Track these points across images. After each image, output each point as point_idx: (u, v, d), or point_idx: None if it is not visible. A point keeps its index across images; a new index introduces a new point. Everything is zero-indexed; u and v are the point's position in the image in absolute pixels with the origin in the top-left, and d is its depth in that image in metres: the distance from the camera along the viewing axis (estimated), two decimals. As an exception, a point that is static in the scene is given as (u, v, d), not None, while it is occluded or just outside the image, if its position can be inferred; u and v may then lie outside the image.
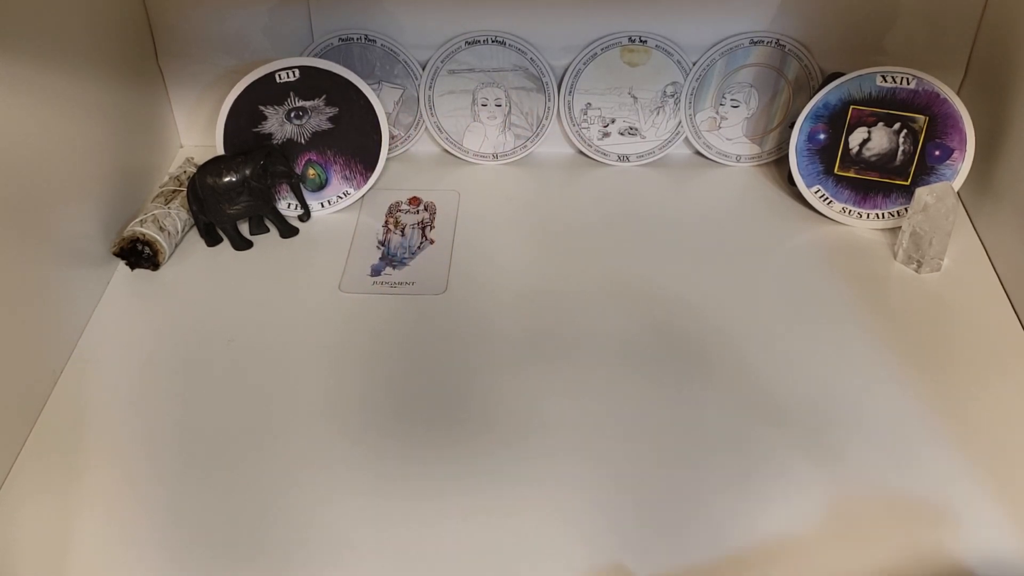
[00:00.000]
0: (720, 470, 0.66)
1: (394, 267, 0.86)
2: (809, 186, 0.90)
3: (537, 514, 0.63)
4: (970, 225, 0.89)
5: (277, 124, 0.92)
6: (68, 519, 0.64)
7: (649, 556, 0.61)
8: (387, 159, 0.94)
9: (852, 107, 0.88)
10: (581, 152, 0.99)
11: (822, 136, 0.90)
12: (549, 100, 0.96)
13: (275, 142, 0.92)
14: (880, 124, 0.88)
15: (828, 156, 0.90)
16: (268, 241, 0.90)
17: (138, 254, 0.84)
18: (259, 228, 0.90)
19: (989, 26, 0.89)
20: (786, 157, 0.92)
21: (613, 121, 0.97)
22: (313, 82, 0.91)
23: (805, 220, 0.90)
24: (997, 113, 0.86)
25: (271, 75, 0.90)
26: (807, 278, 0.83)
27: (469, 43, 0.94)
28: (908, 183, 0.88)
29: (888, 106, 0.87)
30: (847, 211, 0.89)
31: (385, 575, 0.60)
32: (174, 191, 0.89)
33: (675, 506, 0.64)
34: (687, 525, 0.63)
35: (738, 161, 0.98)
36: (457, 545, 0.62)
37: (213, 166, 0.86)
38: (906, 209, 0.86)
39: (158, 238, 0.84)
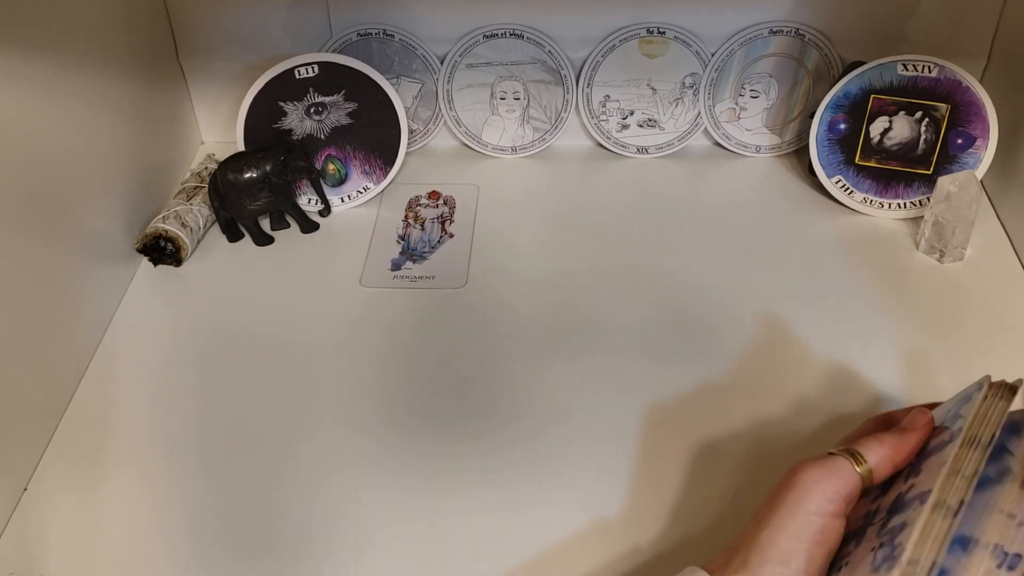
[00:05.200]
0: (741, 459, 0.66)
1: (414, 261, 0.86)
2: (830, 176, 0.90)
3: (561, 505, 0.64)
4: (993, 214, 0.88)
5: (297, 120, 0.92)
6: (95, 514, 0.65)
7: (674, 543, 0.61)
8: (406, 154, 0.94)
9: (873, 96, 0.87)
10: (600, 144, 0.99)
11: (843, 126, 0.89)
12: (567, 93, 0.96)
13: (295, 138, 0.92)
14: (901, 113, 0.87)
15: (849, 146, 0.89)
16: (289, 236, 0.90)
17: (161, 250, 0.85)
18: (280, 224, 0.91)
19: (1012, 12, 0.88)
20: (806, 147, 0.91)
21: (632, 113, 0.97)
22: (332, 78, 0.91)
23: (826, 210, 0.90)
24: (1020, 100, 0.85)
25: (290, 71, 0.91)
26: (828, 269, 0.83)
27: (487, 37, 0.94)
28: (930, 172, 0.87)
29: (909, 95, 0.87)
30: (868, 201, 0.89)
31: (410, 570, 0.61)
32: (196, 187, 0.90)
33: (697, 494, 0.64)
34: (709, 513, 0.62)
35: (758, 152, 0.98)
36: (481, 537, 0.62)
37: (234, 162, 0.86)
38: (928, 198, 0.85)
39: (180, 234, 0.84)
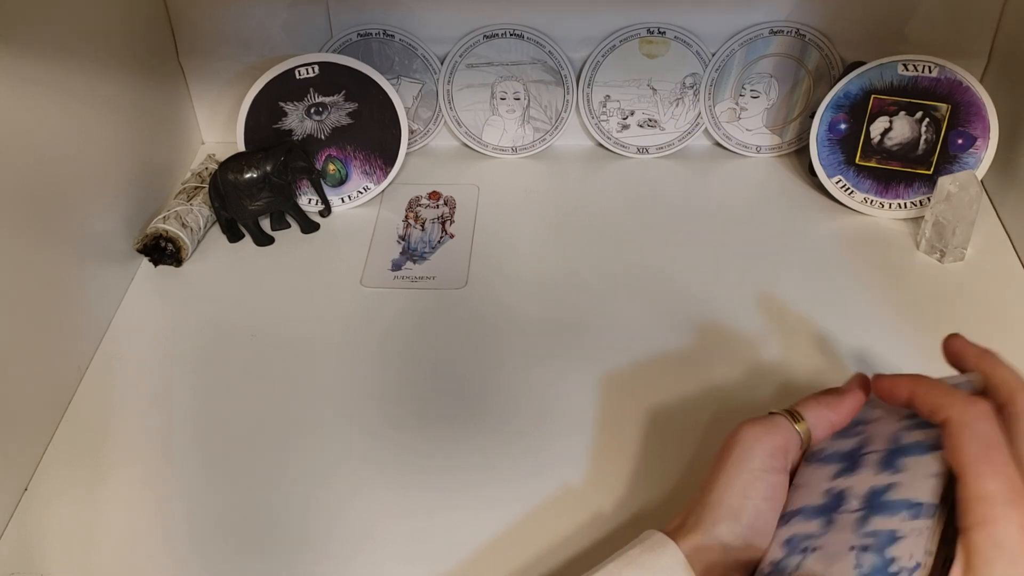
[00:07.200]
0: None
1: (414, 262, 0.86)
2: (830, 176, 0.90)
3: (559, 504, 0.64)
4: (994, 214, 0.88)
5: (297, 120, 0.92)
6: (95, 514, 0.65)
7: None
8: (406, 154, 0.94)
9: (873, 96, 0.87)
10: (600, 145, 0.99)
11: (843, 126, 0.89)
12: (568, 93, 0.96)
13: (295, 138, 0.92)
14: (902, 113, 0.87)
15: (849, 146, 0.89)
16: (289, 237, 0.90)
17: (161, 251, 0.85)
18: (280, 224, 0.91)
19: (1012, 12, 0.88)
20: (807, 147, 0.91)
21: (632, 113, 0.97)
22: (332, 78, 0.91)
23: (826, 210, 0.90)
24: (1020, 100, 0.85)
25: (291, 71, 0.91)
26: (829, 269, 0.83)
27: (487, 37, 0.94)
28: (931, 172, 0.87)
29: (910, 95, 0.87)
30: (869, 201, 0.89)
31: (409, 568, 0.61)
32: (196, 188, 0.90)
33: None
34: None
35: (758, 152, 0.98)
36: (480, 535, 0.62)
37: (234, 163, 0.86)
38: (929, 198, 0.85)
39: (181, 235, 0.84)
